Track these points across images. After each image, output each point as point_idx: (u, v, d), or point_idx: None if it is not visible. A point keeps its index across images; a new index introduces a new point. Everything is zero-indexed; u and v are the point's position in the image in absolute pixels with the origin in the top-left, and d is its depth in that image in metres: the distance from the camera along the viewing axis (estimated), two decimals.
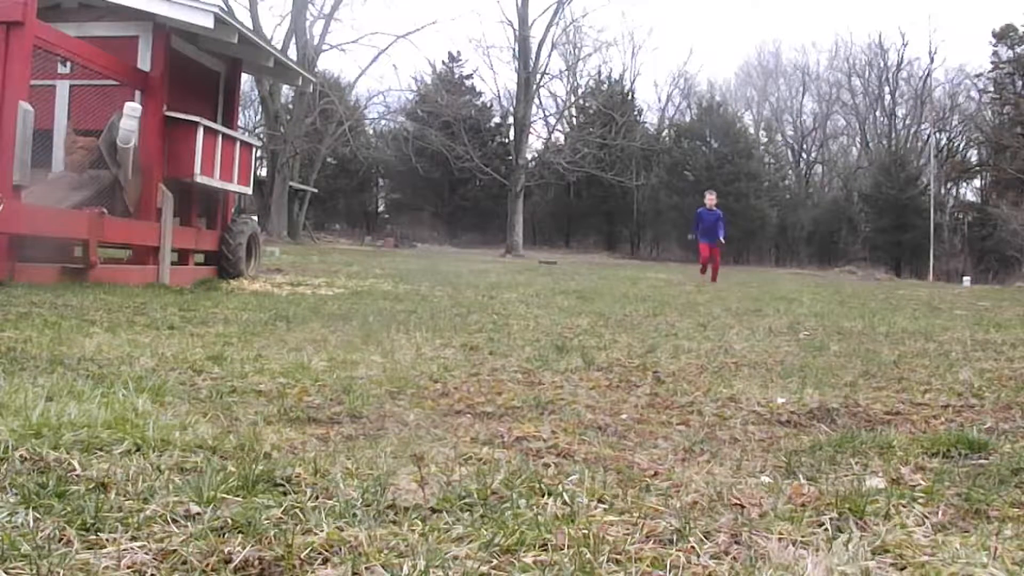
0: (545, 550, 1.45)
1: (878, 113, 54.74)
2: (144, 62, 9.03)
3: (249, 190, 11.29)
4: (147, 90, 8.92)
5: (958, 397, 3.33)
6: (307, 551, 1.41)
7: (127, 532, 1.46)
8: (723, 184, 44.74)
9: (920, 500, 1.83)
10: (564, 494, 1.75)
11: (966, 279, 34.17)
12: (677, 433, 2.60)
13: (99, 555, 1.36)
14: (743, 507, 1.75)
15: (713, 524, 1.61)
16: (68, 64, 8.68)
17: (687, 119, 53.56)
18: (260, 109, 41.69)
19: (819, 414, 2.93)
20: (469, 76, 51.95)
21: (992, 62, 48.33)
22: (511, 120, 46.28)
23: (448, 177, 46.71)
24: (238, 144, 10.37)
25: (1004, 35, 46.96)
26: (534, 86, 42.53)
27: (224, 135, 9.86)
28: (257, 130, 39.99)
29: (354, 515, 1.58)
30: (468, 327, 5.61)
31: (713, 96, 53.53)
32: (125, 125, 8.23)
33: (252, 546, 1.41)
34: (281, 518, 1.55)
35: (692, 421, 2.79)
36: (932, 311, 9.58)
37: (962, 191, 53.61)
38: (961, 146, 53.01)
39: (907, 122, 53.97)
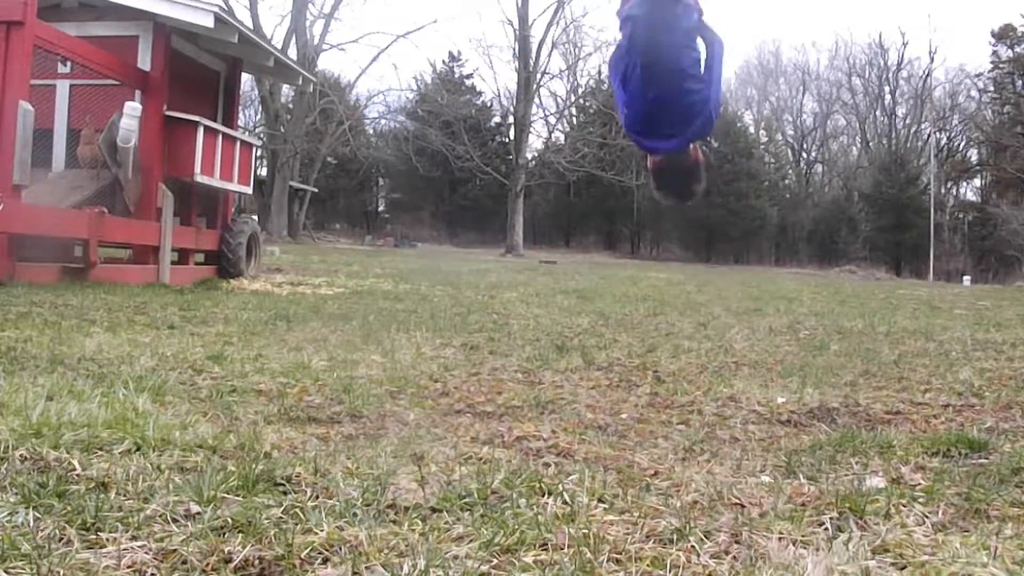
0: (545, 549, 1.45)
1: (878, 112, 54.73)
2: (144, 62, 9.02)
3: (249, 190, 11.29)
4: (147, 90, 8.92)
5: (958, 396, 3.33)
6: (307, 550, 1.41)
7: (127, 531, 1.46)
8: (723, 184, 44.76)
9: (920, 500, 1.83)
10: (564, 493, 1.75)
11: (966, 279, 34.14)
12: (677, 433, 2.60)
13: (99, 554, 1.36)
14: (743, 507, 1.75)
15: (713, 524, 1.61)
16: (68, 64, 8.68)
17: None
18: (260, 109, 41.66)
19: (819, 413, 2.93)
20: (469, 76, 51.91)
21: (992, 62, 48.31)
22: (511, 120, 46.25)
23: (448, 177, 46.67)
24: (238, 144, 10.36)
25: (1004, 35, 46.91)
26: (534, 86, 42.50)
27: (224, 135, 9.86)
28: (257, 130, 39.97)
29: (354, 514, 1.58)
30: (468, 327, 5.60)
31: None
32: (125, 124, 8.23)
33: (252, 545, 1.41)
34: (281, 517, 1.55)
35: (692, 421, 2.79)
36: (932, 311, 9.58)
37: (962, 191, 53.61)
38: (961, 145, 53.02)
39: (907, 121, 53.99)
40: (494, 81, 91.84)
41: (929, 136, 49.64)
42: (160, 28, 9.01)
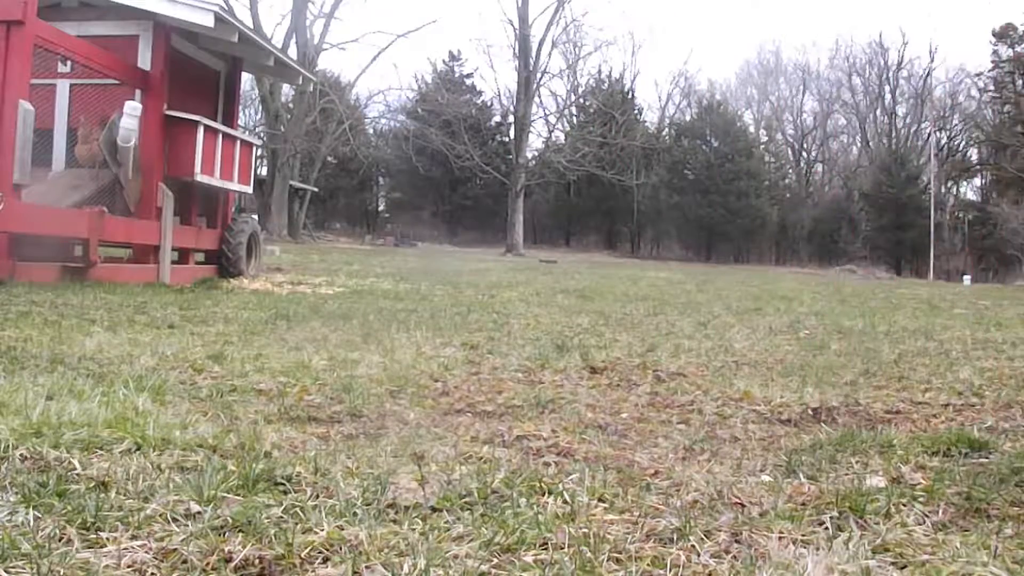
0: (545, 549, 1.45)
1: (878, 112, 54.69)
2: (144, 61, 9.02)
3: (249, 189, 11.29)
4: (147, 89, 8.92)
5: (958, 396, 3.33)
6: (307, 550, 1.41)
7: (127, 531, 1.46)
8: (723, 183, 44.74)
9: (920, 499, 1.83)
10: (564, 493, 1.75)
11: (966, 278, 34.14)
12: (677, 432, 2.60)
13: (99, 554, 1.36)
14: (743, 506, 1.75)
15: (713, 523, 1.61)
16: (68, 63, 8.68)
17: (687, 118, 53.49)
18: (260, 108, 41.66)
19: (820, 413, 2.93)
20: (469, 75, 51.89)
21: (992, 61, 48.29)
22: (511, 119, 46.27)
23: (448, 176, 46.66)
24: (238, 143, 10.36)
25: (1004, 34, 46.89)
26: (534, 85, 42.51)
27: (224, 134, 9.86)
28: (257, 129, 39.96)
29: (354, 514, 1.58)
30: (468, 326, 5.60)
31: (713, 95, 53.47)
32: (125, 124, 8.23)
33: (252, 545, 1.41)
34: (281, 517, 1.55)
35: (692, 420, 2.79)
36: (932, 310, 9.58)
37: (962, 190, 53.59)
38: (961, 145, 52.99)
39: (907, 121, 53.97)
40: (494, 80, 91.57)
41: (929, 135, 49.64)
42: (160, 27, 9.01)
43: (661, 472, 2.05)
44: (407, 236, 42.98)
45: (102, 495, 1.63)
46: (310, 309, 6.55)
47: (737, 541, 1.52)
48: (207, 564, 1.35)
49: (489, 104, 50.89)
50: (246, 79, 23.38)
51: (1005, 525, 1.67)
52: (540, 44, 41.67)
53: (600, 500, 1.75)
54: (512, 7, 46.92)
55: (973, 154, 52.81)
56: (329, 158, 43.97)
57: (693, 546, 1.49)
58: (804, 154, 57.34)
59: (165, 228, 8.93)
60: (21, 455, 1.85)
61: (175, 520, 1.52)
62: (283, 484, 1.76)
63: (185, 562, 1.35)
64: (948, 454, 2.31)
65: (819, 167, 58.21)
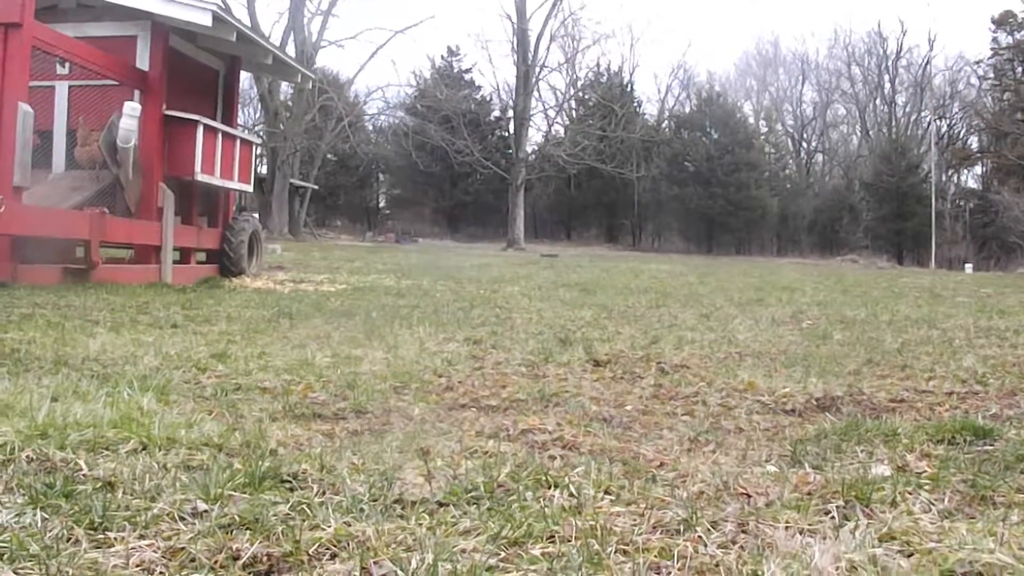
0: (552, 542, 1.46)
1: (878, 101, 54.57)
2: (143, 61, 9.02)
3: (250, 188, 11.28)
4: (146, 89, 8.91)
5: (962, 384, 3.33)
6: (315, 546, 1.41)
7: (135, 530, 1.47)
8: (724, 174, 44.73)
9: (926, 487, 1.83)
10: (570, 486, 1.76)
11: (968, 266, 34.12)
12: (682, 423, 2.60)
13: (107, 554, 1.37)
14: (749, 496, 1.75)
15: (720, 514, 1.61)
16: (67, 65, 8.67)
17: (687, 110, 53.42)
18: (259, 107, 41.64)
19: (824, 403, 2.94)
20: (468, 70, 51.85)
21: (992, 48, 48.13)
22: (511, 114, 46.26)
23: (448, 172, 46.67)
24: (238, 142, 10.36)
25: (1003, 21, 46.75)
26: (533, 79, 42.48)
27: (224, 133, 9.85)
28: (257, 128, 39.94)
29: (361, 510, 1.59)
30: (471, 321, 5.61)
31: (712, 87, 53.39)
32: (125, 125, 8.23)
33: (260, 542, 1.42)
34: (288, 514, 1.56)
35: (697, 411, 2.79)
36: (935, 298, 9.57)
37: (963, 178, 53.47)
38: (962, 133, 52.88)
39: (907, 110, 53.86)
40: (493, 75, 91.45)
41: (929, 124, 49.54)
42: (158, 27, 9.00)
43: (667, 464, 2.05)
44: (408, 232, 42.97)
45: (109, 495, 1.63)
46: (313, 307, 6.56)
47: (744, 531, 1.53)
48: (215, 562, 1.35)
49: (488, 99, 50.88)
50: (245, 78, 23.39)
51: (1011, 512, 1.67)
52: (538, 38, 41.67)
53: (606, 492, 1.75)
54: (510, 1, 46.88)
55: (973, 142, 52.69)
56: (329, 155, 43.99)
57: (700, 537, 1.49)
58: (804, 144, 57.26)
59: (166, 228, 8.93)
60: (27, 457, 1.85)
61: (182, 519, 1.52)
62: (289, 481, 1.76)
63: (193, 560, 1.36)
64: (953, 442, 2.31)
65: (819, 157, 58.13)
